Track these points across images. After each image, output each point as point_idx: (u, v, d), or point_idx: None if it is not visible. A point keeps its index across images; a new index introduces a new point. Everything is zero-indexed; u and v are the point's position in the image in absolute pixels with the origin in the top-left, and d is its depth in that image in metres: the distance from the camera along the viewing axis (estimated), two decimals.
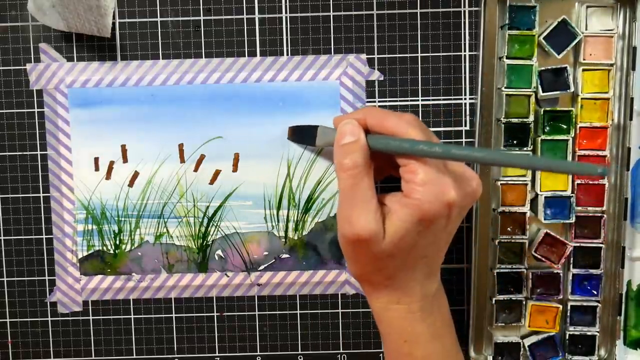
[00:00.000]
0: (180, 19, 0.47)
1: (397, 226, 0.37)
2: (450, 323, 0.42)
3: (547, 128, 0.46)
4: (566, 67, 0.45)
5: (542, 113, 0.46)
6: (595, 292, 0.47)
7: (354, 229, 0.37)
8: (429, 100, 0.47)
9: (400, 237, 0.37)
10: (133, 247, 0.48)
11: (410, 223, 0.36)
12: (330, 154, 0.47)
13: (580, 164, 0.35)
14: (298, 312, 0.49)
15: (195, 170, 0.48)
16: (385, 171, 0.42)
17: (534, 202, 0.47)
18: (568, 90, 0.45)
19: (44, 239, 0.48)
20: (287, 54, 0.47)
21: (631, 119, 0.45)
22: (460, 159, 0.37)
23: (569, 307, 0.47)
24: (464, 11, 0.47)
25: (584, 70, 0.45)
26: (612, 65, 0.45)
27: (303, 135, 0.46)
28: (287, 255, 0.48)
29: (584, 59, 0.45)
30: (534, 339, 0.47)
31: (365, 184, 0.38)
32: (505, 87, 0.45)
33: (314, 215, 0.48)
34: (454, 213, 0.37)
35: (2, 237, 0.48)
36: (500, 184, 0.46)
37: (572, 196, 0.46)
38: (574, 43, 0.45)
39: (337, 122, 0.42)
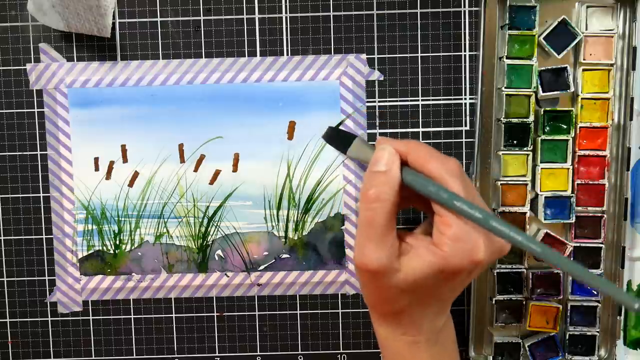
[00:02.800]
0: (180, 19, 0.47)
1: (417, 267, 0.36)
2: (455, 352, 0.41)
3: (547, 128, 0.46)
4: (566, 67, 0.45)
5: (542, 113, 0.46)
6: (595, 292, 0.47)
7: (365, 260, 0.36)
8: (429, 100, 0.47)
9: (416, 278, 0.36)
10: (133, 247, 0.48)
11: (432, 270, 0.36)
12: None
13: (622, 293, 0.35)
14: (298, 312, 0.49)
15: (195, 170, 0.48)
16: (412, 202, 0.41)
17: (534, 202, 0.47)
18: (568, 90, 0.45)
19: (44, 239, 0.48)
20: (287, 54, 0.47)
21: (631, 119, 0.45)
22: (497, 234, 0.35)
23: (569, 307, 0.47)
24: (464, 11, 0.47)
25: (584, 70, 0.45)
26: (612, 65, 0.45)
27: (338, 140, 0.45)
28: (287, 255, 0.48)
29: (584, 59, 0.45)
30: (534, 339, 0.47)
31: (383, 218, 0.36)
32: (505, 87, 0.45)
33: (314, 215, 0.48)
34: (479, 268, 0.37)
35: (2, 237, 0.48)
36: (501, 184, 0.46)
37: (572, 196, 0.46)
38: (574, 43, 0.45)
39: (379, 141, 0.40)
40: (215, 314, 0.49)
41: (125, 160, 0.48)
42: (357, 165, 0.47)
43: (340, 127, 0.47)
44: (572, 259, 0.46)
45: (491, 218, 0.35)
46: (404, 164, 0.38)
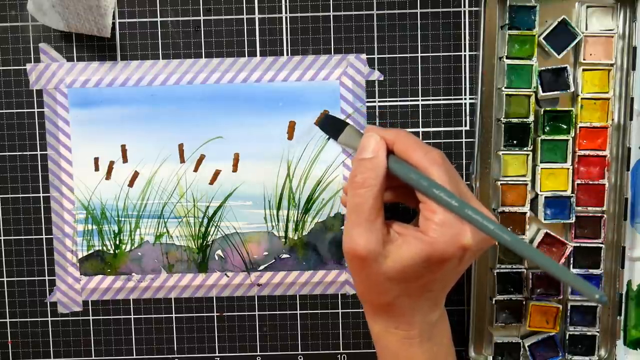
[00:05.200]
0: (180, 19, 0.47)
1: (404, 255, 0.36)
2: (450, 348, 0.41)
3: (547, 128, 0.46)
4: (566, 67, 0.45)
5: (542, 113, 0.46)
6: None
7: (354, 246, 0.37)
8: (429, 100, 0.47)
9: (404, 266, 0.36)
10: (133, 247, 0.48)
11: (419, 257, 0.36)
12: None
13: (584, 283, 0.35)
14: (298, 312, 0.49)
15: (195, 170, 0.48)
16: (402, 197, 0.41)
17: (534, 202, 0.47)
18: (568, 90, 0.45)
19: (44, 239, 0.48)
20: (287, 54, 0.47)
21: (631, 119, 0.45)
22: (471, 222, 0.36)
23: (569, 307, 0.47)
24: (464, 11, 0.47)
25: (584, 70, 0.45)
26: (612, 65, 0.45)
27: (330, 126, 0.45)
28: (287, 255, 0.48)
29: (584, 59, 0.45)
30: (534, 339, 0.47)
31: (370, 204, 0.37)
32: (505, 87, 0.45)
33: (314, 215, 0.48)
34: (468, 256, 0.37)
35: (2, 237, 0.48)
36: (501, 184, 0.46)
37: (572, 196, 0.46)
38: (574, 43, 0.45)
39: (367, 129, 0.40)
40: (215, 314, 0.49)
41: (125, 160, 0.48)
42: None
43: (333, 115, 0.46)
44: (572, 259, 0.47)
45: (466, 206, 0.36)
46: (390, 152, 0.39)
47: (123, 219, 0.48)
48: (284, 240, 0.48)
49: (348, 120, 0.47)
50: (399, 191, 0.41)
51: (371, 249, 0.36)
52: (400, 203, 0.43)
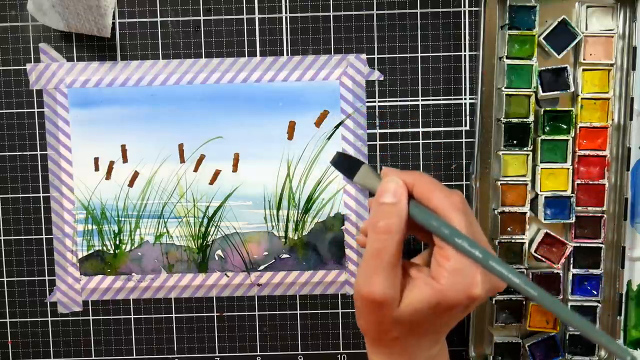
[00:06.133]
0: (180, 19, 0.47)
1: (415, 300, 0.36)
2: None
3: (547, 128, 0.46)
4: (566, 67, 0.45)
5: (542, 113, 0.46)
6: (595, 292, 0.47)
7: (372, 290, 0.36)
8: (429, 100, 0.47)
9: (414, 311, 0.36)
10: (133, 247, 0.48)
11: (428, 303, 0.36)
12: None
13: (617, 345, 0.35)
14: (298, 312, 0.49)
15: (195, 170, 0.48)
16: (414, 231, 0.41)
17: (534, 202, 0.47)
18: (568, 90, 0.45)
19: (44, 239, 0.48)
20: (287, 54, 0.47)
21: (631, 119, 0.45)
22: (495, 274, 0.36)
23: (568, 307, 0.47)
24: (464, 11, 0.47)
25: (584, 70, 0.45)
26: (612, 65, 0.45)
27: (345, 165, 0.44)
28: (287, 255, 0.48)
29: (584, 59, 0.45)
30: (534, 339, 0.47)
31: (392, 250, 0.37)
32: (505, 87, 0.45)
33: (314, 215, 0.48)
34: (474, 305, 0.37)
35: (2, 237, 0.48)
36: (501, 184, 0.46)
37: (572, 196, 0.46)
38: (574, 43, 0.45)
39: (385, 172, 0.40)
40: (215, 314, 0.49)
41: (125, 160, 0.48)
42: None
43: (348, 153, 0.46)
44: (572, 259, 0.47)
45: (490, 258, 0.36)
46: (409, 195, 0.38)
47: (123, 219, 0.48)
48: (284, 240, 0.48)
49: (352, 149, 0.47)
50: (411, 228, 0.41)
51: (389, 295, 0.36)
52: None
